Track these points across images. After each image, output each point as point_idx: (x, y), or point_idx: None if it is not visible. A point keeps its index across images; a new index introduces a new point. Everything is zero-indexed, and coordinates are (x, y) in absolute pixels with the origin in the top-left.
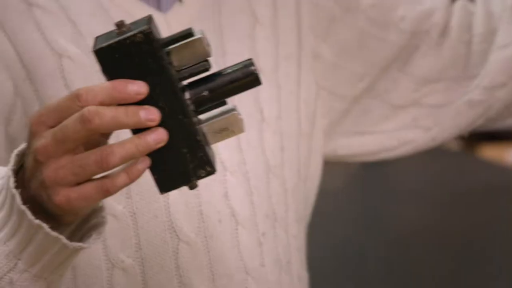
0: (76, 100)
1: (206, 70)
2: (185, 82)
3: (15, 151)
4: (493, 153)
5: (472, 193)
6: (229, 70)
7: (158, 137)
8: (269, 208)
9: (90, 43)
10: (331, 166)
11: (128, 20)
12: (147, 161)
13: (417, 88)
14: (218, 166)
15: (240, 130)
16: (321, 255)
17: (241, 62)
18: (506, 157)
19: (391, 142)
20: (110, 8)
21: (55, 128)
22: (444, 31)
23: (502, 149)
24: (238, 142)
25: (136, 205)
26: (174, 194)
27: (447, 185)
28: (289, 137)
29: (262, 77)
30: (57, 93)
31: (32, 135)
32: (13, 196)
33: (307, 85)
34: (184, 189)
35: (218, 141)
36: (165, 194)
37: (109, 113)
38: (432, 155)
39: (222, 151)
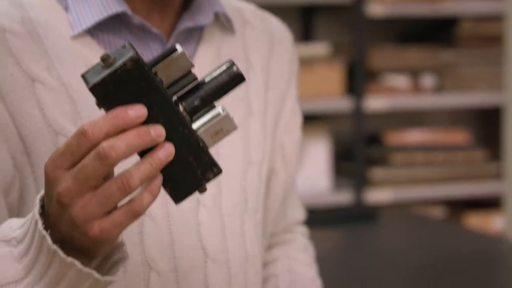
0: (83, 137)
1: (194, 80)
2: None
3: (39, 196)
4: (477, 221)
5: (457, 261)
6: (213, 75)
7: (168, 151)
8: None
9: (86, 122)
10: (317, 232)
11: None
12: (160, 176)
13: None
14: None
15: (233, 127)
16: None
17: (222, 65)
18: (490, 225)
19: None
20: None
21: (74, 170)
22: None
23: (486, 217)
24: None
25: None
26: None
27: (432, 253)
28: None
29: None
30: None
31: (50, 182)
32: (42, 238)
33: None
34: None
35: (215, 143)
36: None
37: (123, 143)
38: (417, 223)
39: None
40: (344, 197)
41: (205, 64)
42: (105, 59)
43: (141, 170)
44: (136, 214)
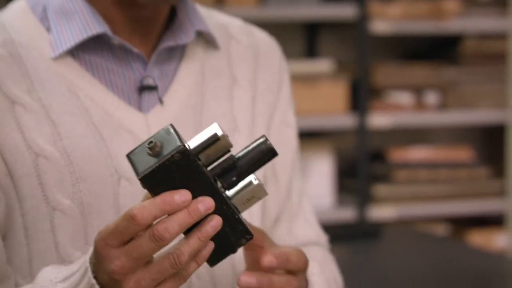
0: (132, 221)
1: (232, 160)
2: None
3: (88, 260)
4: (480, 238)
5: (460, 278)
6: (247, 150)
7: (216, 224)
8: None
9: (67, 143)
10: None
11: (110, 122)
12: (209, 247)
13: None
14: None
15: (264, 194)
16: None
17: (256, 140)
18: (493, 242)
19: None
20: (91, 108)
21: (129, 249)
22: None
23: (489, 234)
24: None
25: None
26: None
27: (435, 270)
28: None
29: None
30: (31, 192)
31: (102, 258)
32: None
33: None
34: None
35: (247, 208)
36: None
37: (175, 224)
38: (420, 240)
39: None
40: (348, 214)
41: (189, 82)
42: (152, 148)
43: (190, 245)
44: (184, 280)
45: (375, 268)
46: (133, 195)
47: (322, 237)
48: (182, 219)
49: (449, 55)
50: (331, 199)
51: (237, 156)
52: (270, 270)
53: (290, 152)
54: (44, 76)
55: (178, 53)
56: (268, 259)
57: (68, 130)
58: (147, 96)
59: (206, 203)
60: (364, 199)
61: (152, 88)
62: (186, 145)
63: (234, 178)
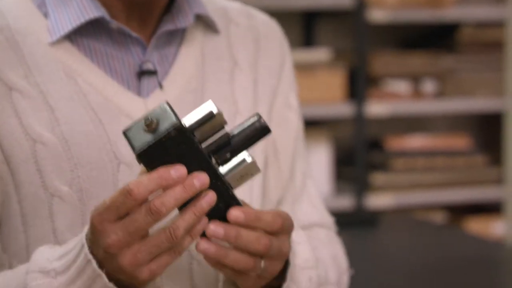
0: (129, 196)
1: (226, 137)
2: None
3: (84, 235)
4: (478, 226)
5: (457, 265)
6: (242, 128)
7: (211, 199)
8: None
9: (65, 129)
10: None
11: (109, 107)
12: (204, 221)
13: None
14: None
15: (257, 171)
16: None
17: (250, 118)
18: (491, 230)
19: None
20: (89, 93)
21: (125, 223)
22: None
23: (487, 222)
24: None
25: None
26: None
27: (432, 257)
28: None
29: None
30: (29, 178)
31: (98, 233)
32: (96, 276)
33: None
34: None
35: (240, 185)
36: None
37: (171, 198)
38: (417, 228)
39: None
40: (345, 202)
41: (189, 66)
42: (148, 124)
43: (186, 220)
44: (178, 255)
45: (372, 256)
46: None
47: (328, 219)
48: (178, 194)
49: (447, 43)
50: (329, 188)
51: (231, 133)
52: (238, 225)
53: (291, 134)
54: (41, 62)
55: (177, 37)
56: (234, 213)
57: (66, 116)
58: (147, 81)
59: (201, 178)
60: (362, 187)
61: (152, 73)
62: (182, 122)
63: (228, 155)
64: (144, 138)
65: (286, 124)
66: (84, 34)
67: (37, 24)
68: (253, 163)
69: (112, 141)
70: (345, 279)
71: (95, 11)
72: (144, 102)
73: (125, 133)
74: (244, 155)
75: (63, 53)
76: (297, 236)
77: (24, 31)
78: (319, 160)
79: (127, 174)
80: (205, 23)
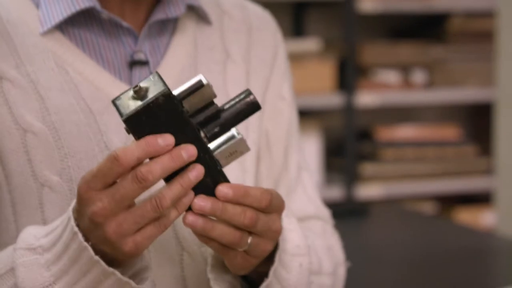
0: (115, 162)
1: (215, 110)
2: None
3: (71, 209)
4: (467, 216)
5: (447, 256)
6: (232, 103)
7: (198, 172)
8: None
9: (55, 118)
10: None
11: (100, 97)
12: (190, 195)
13: None
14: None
15: (247, 149)
16: None
17: (240, 94)
18: (480, 220)
19: None
20: (80, 83)
21: (112, 191)
22: None
23: (476, 212)
24: None
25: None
26: None
27: (422, 248)
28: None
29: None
30: (19, 168)
31: (84, 201)
32: (82, 250)
33: None
34: None
35: (229, 163)
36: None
37: (159, 166)
38: (407, 218)
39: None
40: (335, 193)
41: (181, 56)
42: (137, 91)
43: (172, 191)
44: (164, 227)
45: (362, 246)
46: None
47: (324, 212)
48: (165, 162)
49: (436, 34)
50: (318, 178)
51: (221, 108)
52: (226, 202)
53: (284, 125)
54: (32, 52)
55: (169, 27)
56: (222, 190)
57: (57, 106)
58: (138, 71)
59: (188, 150)
60: (352, 177)
61: (143, 63)
62: (170, 90)
63: (217, 129)
64: (133, 105)
65: (278, 115)
66: (76, 24)
67: (29, 15)
68: (242, 139)
69: (102, 131)
70: (342, 271)
71: (86, 2)
72: None
73: (113, 102)
74: (233, 131)
75: (54, 44)
76: (289, 223)
77: (15, 22)
78: (309, 150)
79: None
80: (198, 14)
